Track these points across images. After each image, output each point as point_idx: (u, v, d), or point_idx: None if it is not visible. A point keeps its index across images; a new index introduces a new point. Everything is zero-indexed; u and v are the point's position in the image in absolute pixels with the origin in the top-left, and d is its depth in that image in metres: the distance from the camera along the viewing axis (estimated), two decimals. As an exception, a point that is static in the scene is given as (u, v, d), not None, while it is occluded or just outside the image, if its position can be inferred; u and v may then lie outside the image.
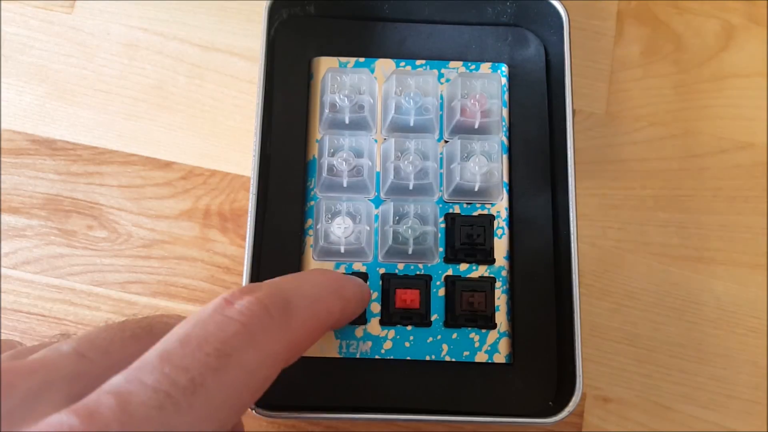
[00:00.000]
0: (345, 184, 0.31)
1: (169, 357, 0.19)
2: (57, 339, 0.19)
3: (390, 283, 0.31)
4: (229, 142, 0.36)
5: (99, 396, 0.17)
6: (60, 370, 0.19)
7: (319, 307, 0.23)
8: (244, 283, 0.29)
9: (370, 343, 0.30)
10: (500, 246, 0.32)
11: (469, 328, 0.31)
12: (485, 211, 0.32)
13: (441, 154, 0.32)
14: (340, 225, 0.31)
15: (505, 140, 0.33)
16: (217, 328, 0.20)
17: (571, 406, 0.28)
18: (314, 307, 0.23)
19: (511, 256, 0.32)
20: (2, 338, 0.22)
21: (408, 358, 0.30)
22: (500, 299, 0.31)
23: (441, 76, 0.33)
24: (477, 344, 0.31)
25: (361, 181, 0.31)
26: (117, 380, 0.18)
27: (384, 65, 0.34)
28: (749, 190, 0.37)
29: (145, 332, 0.22)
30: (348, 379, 0.30)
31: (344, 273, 0.30)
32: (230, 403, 0.19)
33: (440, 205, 0.32)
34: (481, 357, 0.30)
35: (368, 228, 0.31)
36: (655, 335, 0.35)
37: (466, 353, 0.30)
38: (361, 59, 0.34)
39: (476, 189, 0.31)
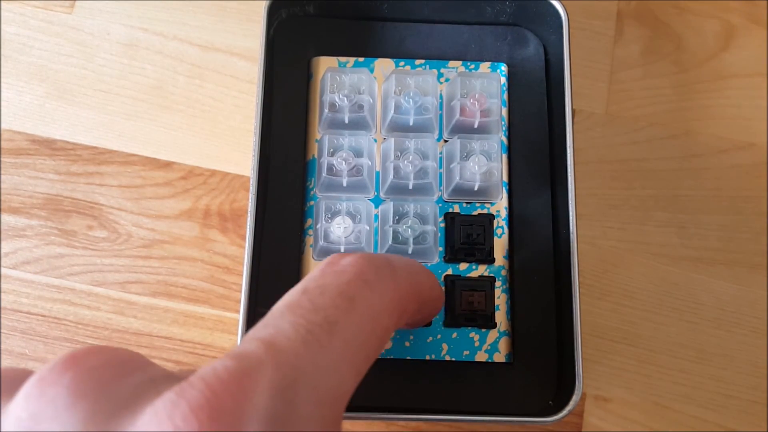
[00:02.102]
0: (345, 184, 0.31)
1: (298, 303, 0.19)
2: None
3: (390, 282, 0.31)
4: (229, 142, 0.36)
5: (244, 344, 0.17)
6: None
7: (414, 273, 0.23)
8: (243, 284, 0.29)
9: None
10: (500, 245, 0.32)
11: (469, 328, 0.31)
12: (485, 211, 0.32)
13: (440, 153, 0.32)
14: (339, 225, 0.31)
15: (505, 140, 0.33)
16: (334, 278, 0.20)
17: (570, 405, 0.28)
18: (411, 270, 0.23)
19: (511, 255, 0.32)
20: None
21: (408, 357, 0.30)
22: (500, 299, 0.31)
23: (440, 75, 0.33)
24: (477, 344, 0.30)
25: (361, 180, 0.31)
26: (252, 332, 0.18)
27: (383, 65, 0.34)
28: (749, 190, 0.37)
29: None
30: None
31: None
32: (363, 345, 0.19)
33: (440, 205, 0.32)
34: (481, 356, 0.30)
35: (368, 227, 0.31)
36: (655, 335, 0.35)
37: (466, 353, 0.30)
38: (361, 59, 0.34)
39: (476, 188, 0.31)
